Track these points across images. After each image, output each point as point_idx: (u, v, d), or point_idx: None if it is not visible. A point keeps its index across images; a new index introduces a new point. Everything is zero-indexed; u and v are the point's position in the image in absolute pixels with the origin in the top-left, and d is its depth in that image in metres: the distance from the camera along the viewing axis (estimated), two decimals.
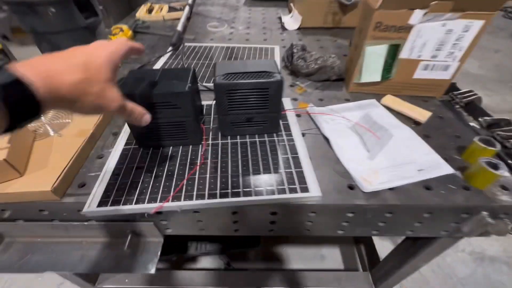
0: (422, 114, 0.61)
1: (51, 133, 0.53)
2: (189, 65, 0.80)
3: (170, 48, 0.87)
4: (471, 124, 0.63)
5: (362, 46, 0.62)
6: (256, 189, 0.44)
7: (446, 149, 0.54)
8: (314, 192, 0.43)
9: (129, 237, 0.49)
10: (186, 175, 0.46)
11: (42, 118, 0.56)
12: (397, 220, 0.48)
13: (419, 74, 0.65)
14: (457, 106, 0.69)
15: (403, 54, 0.61)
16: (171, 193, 0.43)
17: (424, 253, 0.64)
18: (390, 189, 0.46)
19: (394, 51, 0.61)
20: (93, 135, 0.54)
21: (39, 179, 0.43)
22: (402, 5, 0.54)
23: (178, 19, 1.17)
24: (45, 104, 0.24)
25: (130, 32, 0.92)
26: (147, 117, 0.37)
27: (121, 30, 0.89)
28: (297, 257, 1.23)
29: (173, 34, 0.92)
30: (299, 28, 1.09)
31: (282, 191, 0.44)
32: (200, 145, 0.53)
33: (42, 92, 0.23)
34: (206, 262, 1.17)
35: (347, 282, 0.89)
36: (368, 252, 0.98)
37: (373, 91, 0.69)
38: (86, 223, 0.48)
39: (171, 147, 0.52)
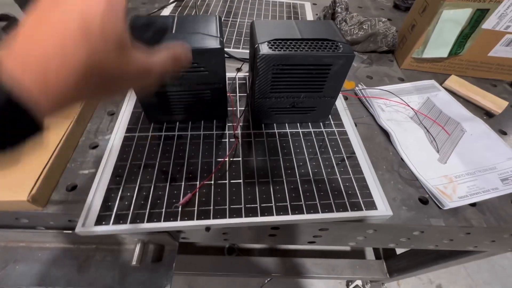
0: (497, 104, 0.49)
1: None
2: None
3: None
4: None
5: (437, 9, 0.47)
6: (308, 203, 0.33)
7: None
8: (383, 210, 0.33)
9: (137, 248, 0.40)
10: (213, 177, 0.35)
11: None
12: (468, 239, 0.40)
13: (498, 51, 0.51)
14: None
15: (488, 23, 0.47)
16: (195, 207, 0.32)
17: (463, 259, 0.58)
18: (471, 204, 0.37)
19: (478, 18, 0.47)
20: (82, 116, 0.40)
21: (9, 183, 0.31)
22: None
23: None
24: (48, 113, 0.14)
25: None
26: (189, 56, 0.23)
27: None
28: None
29: None
30: None
31: (342, 207, 0.33)
32: (227, 125, 0.41)
33: (42, 100, 0.14)
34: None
35: (361, 271, 0.86)
36: None
37: (432, 69, 0.56)
38: None
39: (188, 132, 0.40)
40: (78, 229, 0.30)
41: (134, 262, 0.39)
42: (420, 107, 0.49)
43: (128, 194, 0.33)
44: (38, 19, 0.14)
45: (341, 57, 0.32)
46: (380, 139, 0.43)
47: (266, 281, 1.02)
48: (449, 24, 0.48)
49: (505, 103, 0.49)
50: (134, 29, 0.32)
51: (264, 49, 0.31)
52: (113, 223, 0.30)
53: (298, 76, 0.34)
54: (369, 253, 1.10)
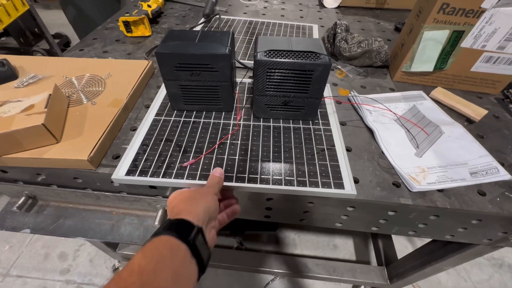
0: (476, 112, 0.55)
1: (85, 101, 0.52)
2: None
3: (202, 20, 0.82)
4: None
5: (419, 30, 0.55)
6: (287, 178, 0.41)
7: (502, 152, 0.49)
8: (349, 189, 0.40)
9: (159, 212, 0.49)
10: (215, 151, 0.45)
11: (76, 84, 0.55)
12: (440, 224, 0.45)
13: (479, 67, 0.58)
14: (511, 106, 0.62)
15: (466, 42, 0.55)
16: (198, 171, 0.42)
17: (455, 257, 0.61)
18: (439, 190, 0.43)
19: (456, 38, 0.54)
20: (127, 106, 0.52)
21: (75, 147, 0.42)
22: None
23: None
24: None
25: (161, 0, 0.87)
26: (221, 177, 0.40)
27: None
28: (309, 243, 1.23)
29: (206, 4, 0.87)
30: (338, 7, 1.00)
31: (315, 184, 0.41)
32: (233, 117, 0.51)
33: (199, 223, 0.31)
34: (218, 239, 1.19)
35: (362, 275, 0.89)
36: (385, 248, 0.96)
37: (422, 82, 0.64)
38: (118, 194, 0.47)
39: (202, 120, 0.51)
40: (113, 176, 0.40)
41: (156, 223, 0.48)
42: (405, 112, 0.56)
43: (151, 158, 0.44)
44: (192, 202, 0.33)
45: (320, 65, 0.42)
46: (365, 135, 0.51)
47: (270, 281, 1.07)
48: (430, 43, 0.56)
49: (484, 111, 0.55)
50: (168, 39, 0.44)
51: (260, 56, 0.42)
52: (138, 176, 0.41)
53: (287, 78, 0.44)
54: (373, 261, 1.12)
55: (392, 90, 0.63)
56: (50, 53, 2.07)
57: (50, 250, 1.15)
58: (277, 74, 0.43)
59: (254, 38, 0.76)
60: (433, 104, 0.58)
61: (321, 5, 1.02)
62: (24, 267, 1.09)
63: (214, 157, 0.44)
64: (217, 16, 0.85)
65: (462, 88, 0.62)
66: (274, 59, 0.42)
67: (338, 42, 0.68)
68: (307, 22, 0.87)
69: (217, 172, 0.39)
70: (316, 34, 0.80)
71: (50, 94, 0.45)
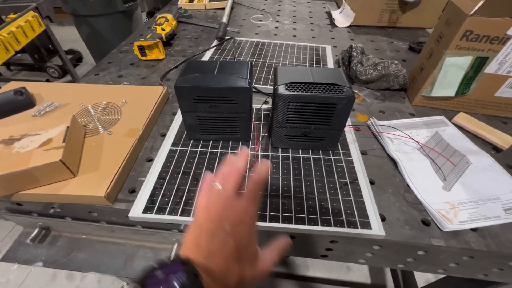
0: (504, 140, 0.53)
1: (101, 130, 0.51)
2: None
3: (216, 42, 0.83)
4: None
5: (440, 56, 0.54)
6: (310, 216, 0.39)
7: None
8: (377, 230, 0.38)
9: (174, 246, 0.47)
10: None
11: (92, 112, 0.55)
12: (474, 264, 0.42)
13: (504, 92, 0.56)
14: None
15: (490, 68, 0.53)
16: None
17: None
18: (472, 229, 0.40)
19: (479, 64, 0.53)
20: (142, 136, 0.51)
21: (92, 183, 0.42)
22: (503, 12, 0.46)
23: (220, 8, 1.13)
24: None
25: (174, 22, 0.89)
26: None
27: (166, 20, 0.85)
28: (321, 265, 1.19)
29: (218, 26, 0.88)
30: (350, 26, 1.00)
31: (340, 224, 0.39)
32: (250, 147, 0.50)
33: None
34: None
35: None
36: (404, 273, 0.91)
37: (442, 106, 0.62)
38: (133, 228, 0.46)
39: (219, 150, 0.49)
40: (130, 214, 0.39)
41: (171, 257, 0.46)
42: (428, 140, 0.54)
43: (168, 193, 0.42)
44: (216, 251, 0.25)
45: (343, 99, 0.40)
46: (388, 166, 0.49)
47: None
48: (452, 68, 0.54)
49: None
50: (187, 72, 0.44)
51: (282, 90, 0.41)
52: (155, 213, 0.39)
53: (309, 111, 0.43)
54: (389, 285, 1.07)
55: (412, 115, 0.61)
56: (63, 69, 2.12)
57: (58, 270, 1.13)
58: (298, 107, 0.42)
59: (274, 68, 0.75)
60: (456, 130, 0.56)
61: (333, 24, 1.01)
62: (32, 287, 1.08)
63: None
64: (231, 38, 0.85)
65: (485, 112, 0.60)
66: (296, 93, 0.41)
67: (354, 66, 0.67)
68: (320, 43, 0.87)
69: (245, 155, 0.30)
70: (329, 55, 0.80)
71: (67, 127, 0.45)
